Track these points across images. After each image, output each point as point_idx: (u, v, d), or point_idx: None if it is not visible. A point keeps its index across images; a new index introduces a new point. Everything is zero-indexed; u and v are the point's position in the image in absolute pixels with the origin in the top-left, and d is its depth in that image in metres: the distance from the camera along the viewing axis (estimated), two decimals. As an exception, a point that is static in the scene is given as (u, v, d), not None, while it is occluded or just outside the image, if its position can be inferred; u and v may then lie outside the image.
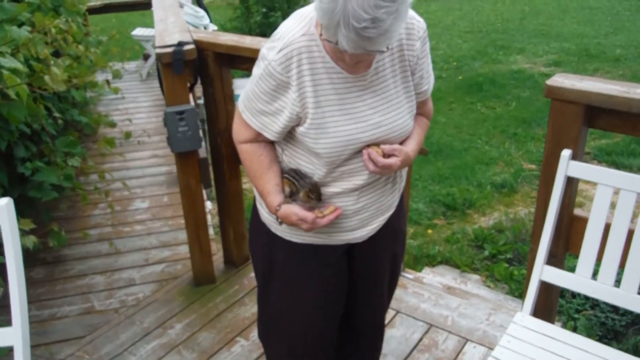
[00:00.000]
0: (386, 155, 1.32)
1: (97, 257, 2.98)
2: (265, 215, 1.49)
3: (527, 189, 4.55)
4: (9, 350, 1.54)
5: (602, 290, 1.61)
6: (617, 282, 1.59)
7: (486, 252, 3.65)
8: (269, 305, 1.63)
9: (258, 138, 1.40)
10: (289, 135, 1.38)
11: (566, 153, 1.63)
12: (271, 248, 1.51)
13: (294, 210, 1.31)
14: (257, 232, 1.55)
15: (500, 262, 3.54)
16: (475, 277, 3.46)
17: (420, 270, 3.43)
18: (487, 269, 3.49)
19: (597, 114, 1.62)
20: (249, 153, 1.42)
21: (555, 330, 1.61)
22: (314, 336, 1.60)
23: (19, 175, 2.39)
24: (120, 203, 3.51)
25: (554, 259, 1.81)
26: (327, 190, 1.38)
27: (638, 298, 1.54)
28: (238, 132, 1.44)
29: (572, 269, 1.67)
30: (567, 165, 1.63)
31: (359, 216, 1.42)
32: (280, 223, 1.40)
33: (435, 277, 3.38)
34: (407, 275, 2.69)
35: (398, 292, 2.48)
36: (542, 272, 1.70)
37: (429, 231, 3.97)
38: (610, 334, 2.98)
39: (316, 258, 1.48)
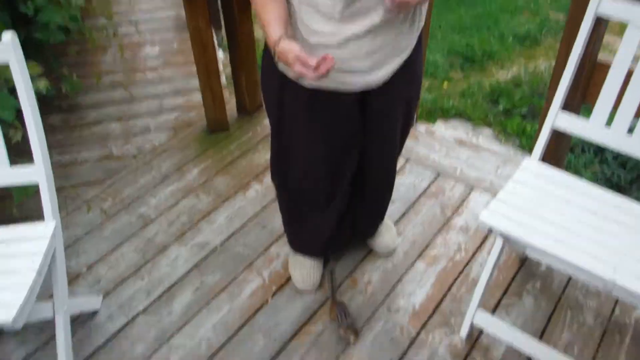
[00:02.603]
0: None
1: (111, 104, 2.99)
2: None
3: (551, 41, 4.34)
4: (36, 192, 1.61)
5: (614, 138, 1.58)
6: (630, 132, 1.57)
7: (500, 107, 3.60)
8: (281, 146, 1.64)
9: None
10: None
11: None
12: (282, 91, 1.48)
13: (294, 48, 1.23)
14: (268, 74, 1.51)
15: (514, 117, 3.50)
16: (488, 131, 3.45)
17: (433, 123, 3.43)
18: (500, 124, 3.46)
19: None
20: None
21: (562, 176, 1.61)
22: (325, 177, 1.63)
23: (22, 17, 2.31)
24: (130, 49, 3.43)
25: (569, 108, 1.77)
26: (344, 31, 1.30)
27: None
28: None
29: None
30: (599, 2, 1.53)
31: (374, 56, 1.36)
32: (275, 58, 1.31)
33: (447, 130, 3.38)
34: (420, 128, 2.69)
35: (409, 143, 2.49)
36: (556, 118, 1.67)
37: (445, 84, 3.88)
38: (615, 189, 3.03)
39: (327, 104, 1.46)
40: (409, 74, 1.49)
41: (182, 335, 1.74)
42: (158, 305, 1.84)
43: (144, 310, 1.82)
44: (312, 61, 1.17)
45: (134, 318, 1.80)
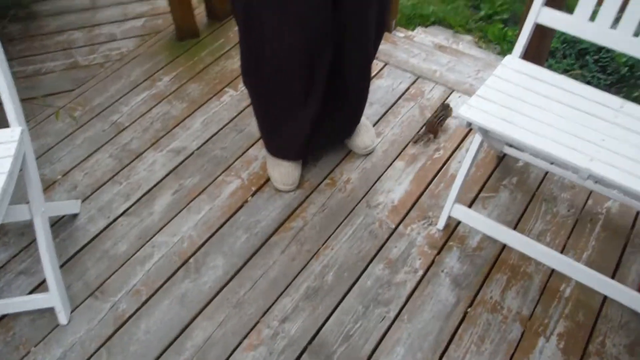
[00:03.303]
0: None
1: (72, 12, 2.83)
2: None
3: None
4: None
5: (598, 32, 1.56)
6: (614, 26, 1.54)
7: (482, 13, 3.52)
8: (251, 48, 1.58)
9: None
10: None
11: None
12: None
13: None
14: None
15: (496, 23, 3.43)
16: (469, 37, 3.39)
17: (412, 30, 3.35)
18: (481, 30, 3.40)
19: None
20: None
21: (542, 71, 1.60)
22: (299, 77, 1.59)
23: None
24: (89, -46, 3.20)
25: (552, 2, 1.73)
26: None
27: (634, 40, 1.51)
28: None
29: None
30: None
31: None
32: None
33: (427, 36, 3.30)
34: (398, 34, 2.62)
35: (387, 47, 2.44)
36: (539, 13, 1.63)
37: (424, -10, 3.76)
38: (593, 92, 3.05)
39: None
40: None
41: (165, 234, 1.75)
42: (138, 207, 1.83)
43: (125, 212, 1.82)
44: None
45: (115, 219, 1.80)
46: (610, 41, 1.56)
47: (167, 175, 1.94)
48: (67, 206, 1.78)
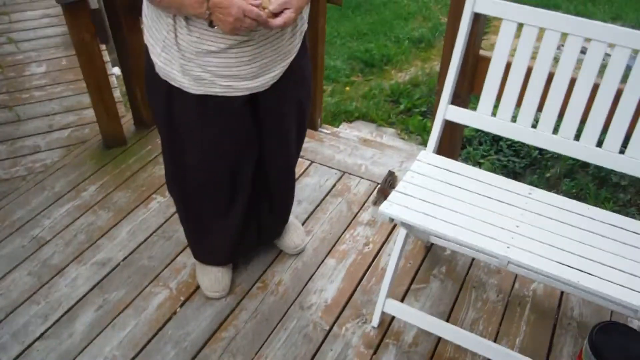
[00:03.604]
0: (276, 15, 1.23)
1: (-5, 125, 2.79)
2: (160, 65, 1.40)
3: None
4: None
5: (500, 125, 1.69)
6: (514, 119, 1.68)
7: (402, 107, 3.74)
8: (174, 158, 1.60)
9: None
10: None
11: (473, -11, 1.61)
12: (169, 100, 1.45)
13: None
14: (153, 86, 1.47)
15: (415, 115, 3.65)
16: (391, 130, 3.57)
17: (337, 126, 3.49)
18: (402, 122, 3.60)
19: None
20: None
21: (456, 165, 1.69)
22: (222, 186, 1.61)
23: None
24: (12, 69, 3.22)
25: (458, 99, 1.87)
26: (226, 39, 1.29)
27: (531, 132, 1.64)
28: None
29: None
30: (474, 1, 1.62)
31: (257, 62, 1.37)
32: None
33: (352, 131, 3.45)
34: (324, 131, 2.72)
35: (314, 145, 2.52)
36: (446, 111, 1.75)
37: (347, 88, 3.98)
38: (511, 175, 3.24)
39: (217, 109, 1.44)
40: (295, 75, 1.51)
41: (86, 356, 1.64)
42: (57, 328, 1.72)
43: (42, 336, 1.70)
44: (257, 12, 1.17)
45: (30, 345, 1.67)
46: (511, 133, 1.69)
47: (90, 290, 1.84)
48: (-24, 335, 1.65)
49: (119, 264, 1.94)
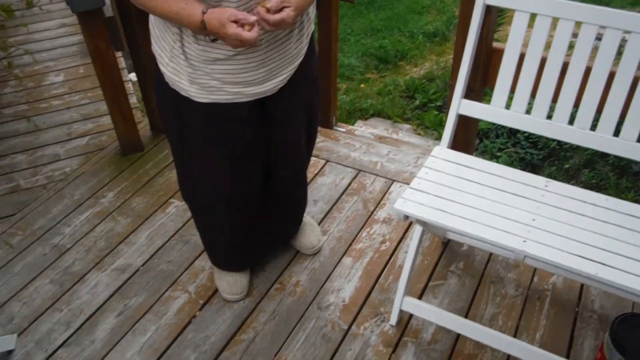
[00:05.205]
0: (274, 11, 1.21)
1: (15, 136, 2.84)
2: (168, 75, 1.41)
3: (457, 36, 4.53)
4: None
5: (515, 118, 1.66)
6: (529, 111, 1.65)
7: (417, 102, 3.71)
8: (185, 167, 1.61)
9: None
10: None
11: (483, -19, 1.59)
12: (179, 109, 1.45)
13: (227, 9, 1.16)
14: (163, 95, 1.48)
15: (431, 110, 3.62)
16: (407, 126, 3.55)
17: (353, 124, 3.48)
18: (418, 118, 3.57)
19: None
20: None
21: (470, 159, 1.67)
22: (232, 193, 1.61)
23: None
24: (31, 79, 3.27)
25: (472, 93, 1.84)
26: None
27: (546, 123, 1.61)
28: None
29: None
30: (485, -7, 1.60)
31: (265, 67, 1.36)
32: (213, 40, 1.26)
33: (367, 129, 3.44)
34: (339, 129, 2.71)
35: (329, 144, 2.51)
36: (460, 105, 1.73)
37: (362, 85, 3.96)
38: (529, 168, 3.19)
39: (225, 116, 1.44)
40: (303, 77, 1.50)
41: (107, 363, 1.66)
42: (79, 336, 1.74)
43: (65, 343, 1.72)
44: (251, 18, 1.16)
45: (54, 352, 1.70)
46: (526, 125, 1.66)
47: (110, 296, 1.87)
48: (0, 343, 1.68)
49: (138, 270, 1.96)
